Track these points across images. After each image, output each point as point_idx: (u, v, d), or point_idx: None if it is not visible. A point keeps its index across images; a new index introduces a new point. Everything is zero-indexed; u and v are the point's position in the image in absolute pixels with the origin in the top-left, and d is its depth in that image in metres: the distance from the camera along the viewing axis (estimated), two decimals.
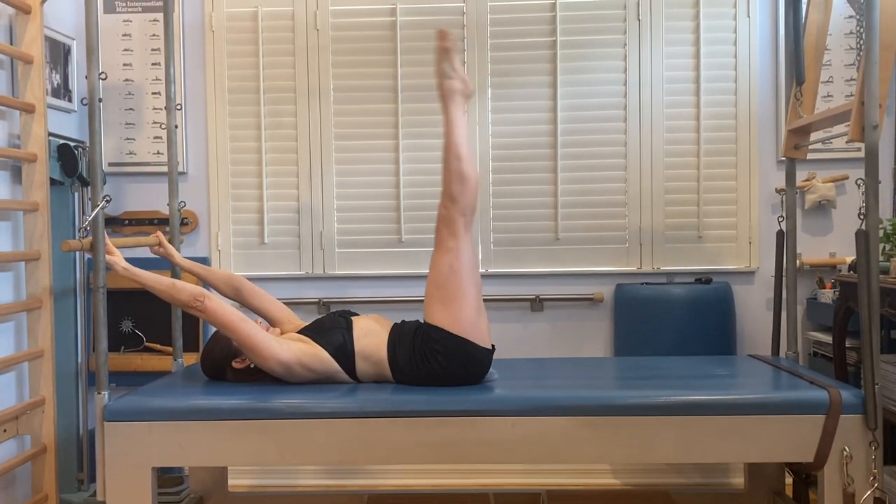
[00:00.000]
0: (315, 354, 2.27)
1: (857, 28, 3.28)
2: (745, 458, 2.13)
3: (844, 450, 2.09)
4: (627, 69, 3.31)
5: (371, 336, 2.31)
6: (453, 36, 2.32)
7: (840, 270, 3.27)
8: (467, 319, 2.22)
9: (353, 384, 2.32)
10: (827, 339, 3.02)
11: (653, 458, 2.13)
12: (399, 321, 2.40)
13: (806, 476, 2.54)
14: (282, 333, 2.46)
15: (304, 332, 2.36)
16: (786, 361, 2.67)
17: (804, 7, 2.64)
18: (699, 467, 3.31)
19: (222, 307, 2.24)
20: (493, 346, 2.30)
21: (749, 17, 3.27)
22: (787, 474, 2.69)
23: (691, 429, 2.11)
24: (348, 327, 2.33)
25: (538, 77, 3.33)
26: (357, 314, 2.45)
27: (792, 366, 2.57)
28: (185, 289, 2.25)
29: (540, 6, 3.33)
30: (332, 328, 2.33)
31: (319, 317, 2.46)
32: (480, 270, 3.32)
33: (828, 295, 3.11)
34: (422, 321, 2.30)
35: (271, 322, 2.56)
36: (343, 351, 2.28)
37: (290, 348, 2.26)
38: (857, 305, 2.17)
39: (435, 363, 2.24)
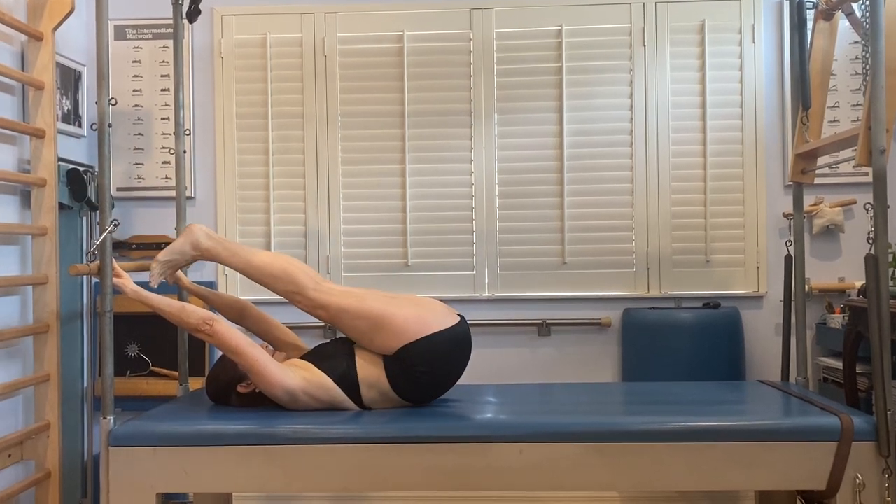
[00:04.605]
0: (319, 383, 2.24)
1: (863, 53, 3.28)
2: (755, 486, 2.10)
3: (857, 477, 2.05)
4: (633, 94, 3.32)
5: (374, 366, 2.26)
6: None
7: (849, 295, 3.25)
8: (405, 323, 2.20)
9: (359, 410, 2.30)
10: (837, 364, 2.99)
11: (662, 485, 2.10)
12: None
13: None
14: (286, 359, 2.44)
15: (306, 357, 2.34)
16: (796, 387, 2.64)
17: (809, 33, 2.66)
18: (709, 495, 3.27)
19: (230, 332, 2.23)
20: (460, 316, 2.29)
21: (754, 42, 3.29)
22: (798, 502, 2.65)
23: (701, 456, 2.09)
24: (351, 354, 2.29)
25: (544, 102, 3.34)
26: None
27: (802, 391, 2.54)
28: (194, 313, 2.24)
29: (546, 32, 3.35)
30: (334, 355, 2.30)
31: (322, 342, 2.43)
32: (487, 294, 3.33)
33: (837, 320, 3.09)
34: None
35: (277, 347, 2.54)
36: (346, 378, 2.25)
37: (295, 376, 2.24)
38: (868, 330, 2.15)
39: (423, 377, 2.22)
